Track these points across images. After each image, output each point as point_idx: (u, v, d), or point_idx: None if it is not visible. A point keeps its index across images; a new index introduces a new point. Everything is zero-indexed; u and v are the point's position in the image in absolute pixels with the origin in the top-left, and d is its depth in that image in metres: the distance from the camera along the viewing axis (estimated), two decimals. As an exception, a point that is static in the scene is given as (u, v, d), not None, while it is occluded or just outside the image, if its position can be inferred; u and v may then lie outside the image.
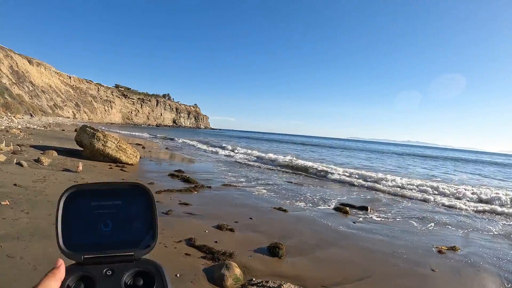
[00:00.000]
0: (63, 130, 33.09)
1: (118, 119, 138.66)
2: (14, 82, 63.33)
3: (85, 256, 0.70)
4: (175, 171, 14.63)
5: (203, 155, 26.00)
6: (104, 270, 0.68)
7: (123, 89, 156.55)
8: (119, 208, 0.75)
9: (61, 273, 0.63)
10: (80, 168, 11.22)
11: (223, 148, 33.04)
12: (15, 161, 11.07)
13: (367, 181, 16.66)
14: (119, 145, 14.41)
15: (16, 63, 75.99)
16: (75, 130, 35.29)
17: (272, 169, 19.94)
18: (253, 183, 14.01)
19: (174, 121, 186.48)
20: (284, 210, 9.48)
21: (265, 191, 12.33)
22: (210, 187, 11.94)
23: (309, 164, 22.30)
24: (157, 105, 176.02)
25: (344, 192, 14.11)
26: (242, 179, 14.70)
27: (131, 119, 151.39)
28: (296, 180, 16.01)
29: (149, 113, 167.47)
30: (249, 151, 29.13)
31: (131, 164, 15.02)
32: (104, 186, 0.76)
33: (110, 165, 13.96)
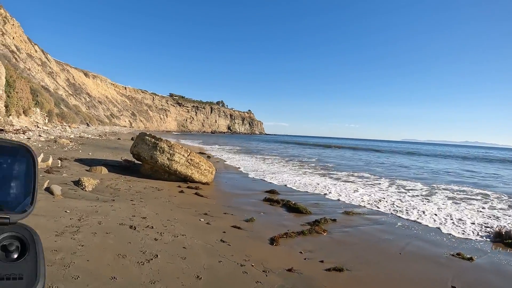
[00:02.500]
0: (118, 139, 30.68)
1: (173, 127, 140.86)
2: (71, 93, 64.98)
3: None
4: (268, 191, 10.75)
5: (278, 163, 21.65)
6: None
7: (177, 97, 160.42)
8: None
9: None
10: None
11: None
12: (45, 186, 7.52)
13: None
14: (190, 159, 10.59)
15: (73, 76, 79.11)
16: (132, 139, 32.67)
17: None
18: (381, 204, 9.25)
19: (229, 128, 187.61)
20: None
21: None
22: (335, 220, 7.85)
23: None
24: (211, 112, 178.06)
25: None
26: (358, 197, 10.01)
27: (186, 126, 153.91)
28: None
29: (203, 120, 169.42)
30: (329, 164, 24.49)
31: (206, 183, 11.13)
32: None
33: (179, 186, 10.16)
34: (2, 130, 16.82)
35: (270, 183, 13.02)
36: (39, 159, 10.51)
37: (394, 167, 23.52)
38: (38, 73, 47.37)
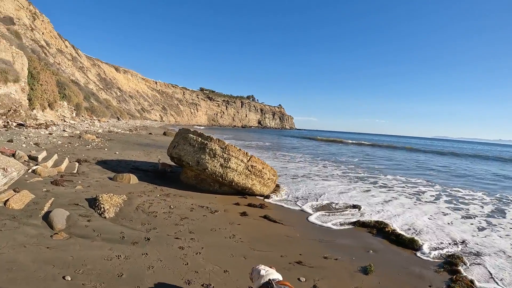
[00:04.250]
0: (150, 133, 28.33)
1: (204, 121, 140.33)
2: (102, 88, 65.02)
3: None
4: (351, 206, 8.15)
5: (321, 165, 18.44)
6: None
7: (207, 92, 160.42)
8: None
9: None
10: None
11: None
12: (44, 210, 4.96)
13: None
14: (251, 165, 7.80)
15: (104, 71, 79.29)
16: (164, 134, 30.47)
17: None
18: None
19: (259, 122, 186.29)
20: None
21: None
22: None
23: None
24: (242, 106, 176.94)
25: None
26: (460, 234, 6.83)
27: (217, 121, 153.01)
28: None
29: (234, 115, 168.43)
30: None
31: (267, 197, 8.24)
32: None
33: (237, 203, 7.41)
34: (22, 125, 14.72)
35: (346, 197, 10.06)
36: (50, 161, 8.01)
37: (460, 173, 19.51)
38: (68, 68, 46.52)
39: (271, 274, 2.87)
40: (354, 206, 8.10)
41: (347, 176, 13.71)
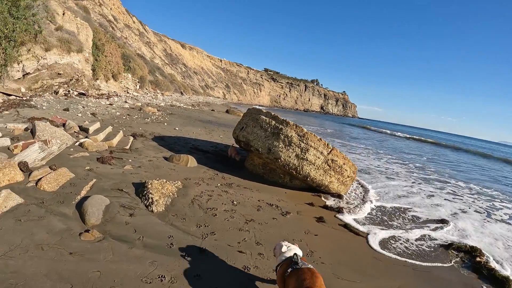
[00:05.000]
0: (212, 110, 27.65)
1: (266, 101, 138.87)
2: (167, 63, 66.15)
3: None
4: (437, 221, 6.67)
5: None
6: None
7: (272, 73, 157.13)
8: None
9: None
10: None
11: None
12: (81, 195, 3.96)
13: None
14: (332, 159, 6.38)
15: (170, 47, 79.96)
16: (227, 111, 29.44)
17: None
18: None
19: (321, 107, 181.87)
20: None
21: None
22: None
23: None
24: (305, 90, 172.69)
25: None
26: None
27: (279, 102, 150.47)
28: None
29: (297, 98, 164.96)
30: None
31: (340, 196, 6.91)
32: None
33: (311, 203, 6.06)
34: (84, 94, 14.48)
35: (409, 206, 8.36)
36: (102, 134, 7.18)
37: None
38: (134, 42, 47.52)
39: (294, 249, 2.92)
40: (442, 221, 6.52)
41: (414, 176, 11.87)
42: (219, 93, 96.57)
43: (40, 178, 4.27)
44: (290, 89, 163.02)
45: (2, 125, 6.25)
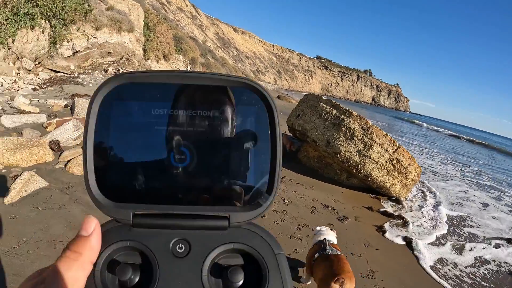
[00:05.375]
0: (264, 95, 27.30)
1: (317, 89, 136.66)
2: (219, 46, 66.70)
3: (137, 213, 0.38)
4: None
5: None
6: (172, 243, 0.38)
7: (324, 60, 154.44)
8: (209, 125, 0.40)
9: (92, 248, 0.34)
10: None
11: None
12: None
13: None
14: (397, 159, 5.63)
15: (222, 31, 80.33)
16: (278, 97, 29.53)
17: None
18: None
19: (373, 99, 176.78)
20: None
21: None
22: None
23: None
24: (357, 80, 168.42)
25: None
26: None
27: (330, 91, 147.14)
28: None
29: (348, 88, 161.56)
30: None
31: (397, 200, 6.08)
32: (180, 76, 0.40)
33: (369, 208, 5.45)
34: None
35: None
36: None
37: None
38: (187, 25, 48.05)
39: (327, 235, 2.84)
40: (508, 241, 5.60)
41: (469, 180, 10.76)
42: (270, 78, 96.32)
43: (70, 160, 3.91)
44: (342, 78, 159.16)
45: (43, 101, 6.06)
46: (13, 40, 8.55)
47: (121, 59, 13.96)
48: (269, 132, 0.40)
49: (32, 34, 9.33)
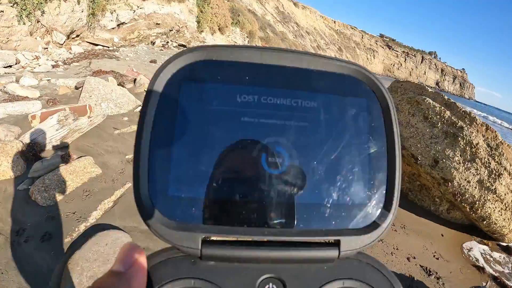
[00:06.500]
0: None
1: (379, 69, 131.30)
2: (279, 20, 66.01)
3: (208, 239, 0.29)
4: None
5: None
6: (258, 284, 0.29)
7: (387, 39, 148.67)
8: (313, 119, 0.32)
9: None
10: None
11: None
12: (77, 230, 2.17)
13: None
14: None
15: (282, 5, 78.29)
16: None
17: None
18: None
19: (437, 83, 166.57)
20: None
21: None
22: None
23: None
24: (422, 62, 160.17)
25: None
26: None
27: (393, 72, 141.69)
28: None
29: (412, 69, 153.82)
30: None
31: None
32: (276, 55, 0.32)
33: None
34: (184, 46, 13.39)
35: None
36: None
37: None
38: (246, -2, 46.99)
39: None
40: None
41: None
42: (330, 55, 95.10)
43: (41, 176, 2.68)
44: (405, 59, 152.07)
45: (53, 80, 4.92)
46: (43, 13, 7.66)
47: (170, 30, 12.91)
48: (385, 132, 0.32)
49: (65, 5, 8.41)
